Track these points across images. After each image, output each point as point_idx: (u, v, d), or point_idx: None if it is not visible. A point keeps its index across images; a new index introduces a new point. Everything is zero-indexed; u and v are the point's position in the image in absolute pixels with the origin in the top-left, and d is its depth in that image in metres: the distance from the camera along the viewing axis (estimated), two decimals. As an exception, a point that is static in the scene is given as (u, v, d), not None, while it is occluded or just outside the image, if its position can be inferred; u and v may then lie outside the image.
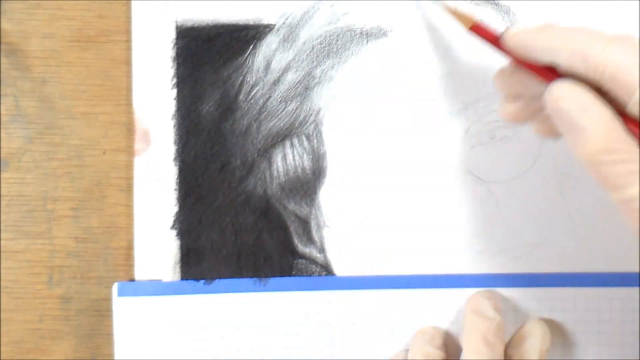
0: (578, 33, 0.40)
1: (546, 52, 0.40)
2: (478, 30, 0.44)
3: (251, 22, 0.51)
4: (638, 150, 0.38)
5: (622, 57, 0.38)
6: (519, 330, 0.50)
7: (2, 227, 0.51)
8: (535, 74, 0.42)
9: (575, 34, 0.40)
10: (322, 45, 0.51)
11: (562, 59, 0.40)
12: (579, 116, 0.39)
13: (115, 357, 0.50)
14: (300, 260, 0.51)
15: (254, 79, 0.51)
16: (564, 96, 0.40)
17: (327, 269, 0.51)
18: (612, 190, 0.38)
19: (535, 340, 0.49)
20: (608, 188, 0.39)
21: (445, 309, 0.51)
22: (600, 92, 0.39)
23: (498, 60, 0.52)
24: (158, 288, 0.50)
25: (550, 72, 0.41)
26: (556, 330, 0.50)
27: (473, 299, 0.49)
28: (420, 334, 0.50)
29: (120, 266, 0.51)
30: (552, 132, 0.43)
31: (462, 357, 0.47)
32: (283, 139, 0.51)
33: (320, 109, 0.51)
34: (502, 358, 0.47)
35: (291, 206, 0.51)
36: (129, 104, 0.51)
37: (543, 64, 0.41)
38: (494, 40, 0.44)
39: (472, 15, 0.45)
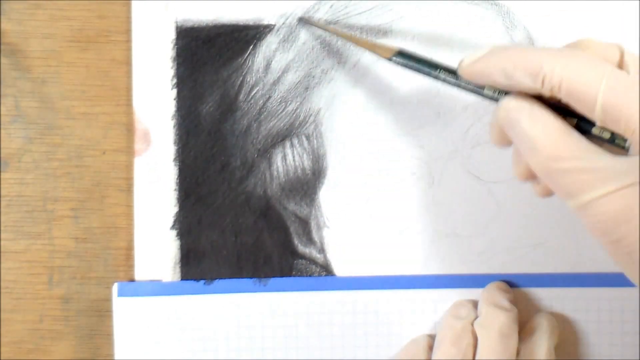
0: (530, 52, 0.40)
1: (501, 74, 0.40)
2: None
3: (251, 23, 0.51)
4: (590, 156, 0.38)
5: (574, 71, 0.38)
6: (527, 324, 0.50)
7: (2, 228, 0.51)
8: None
9: (527, 52, 0.40)
10: (322, 46, 0.51)
11: (517, 79, 0.39)
12: (529, 126, 0.39)
13: (115, 357, 0.50)
14: (300, 260, 0.51)
15: (254, 79, 0.51)
16: (513, 107, 0.40)
17: (327, 270, 0.51)
18: (567, 198, 0.38)
19: (543, 333, 0.49)
20: (563, 196, 0.39)
21: (446, 309, 0.50)
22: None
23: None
24: (158, 288, 0.50)
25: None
26: (562, 327, 0.50)
27: (488, 290, 0.49)
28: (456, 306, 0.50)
29: (120, 266, 0.51)
30: (527, 175, 0.43)
31: (478, 349, 0.47)
32: (283, 139, 0.51)
33: (320, 109, 0.51)
34: (515, 351, 0.47)
35: (291, 206, 0.51)
36: (129, 104, 0.51)
37: (501, 87, 0.41)
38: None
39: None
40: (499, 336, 0.47)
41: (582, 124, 0.39)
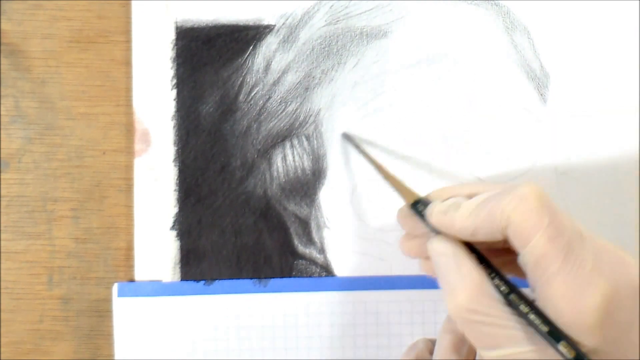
0: (482, 207, 0.39)
1: (468, 232, 0.40)
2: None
3: (251, 23, 0.51)
4: (506, 315, 0.39)
5: (515, 213, 0.38)
6: None
7: (2, 228, 0.51)
8: None
9: (480, 208, 0.39)
10: (322, 46, 0.51)
11: (481, 235, 0.40)
12: (450, 273, 0.40)
13: (115, 358, 0.50)
14: (300, 261, 0.51)
15: (253, 79, 0.51)
16: (440, 252, 0.41)
17: (327, 270, 0.51)
18: (477, 347, 0.39)
19: None
20: (473, 343, 0.40)
21: (446, 309, 0.50)
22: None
23: (497, 62, 0.52)
24: (158, 289, 0.50)
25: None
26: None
27: None
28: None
29: (120, 267, 0.51)
30: None
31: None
32: (283, 140, 0.51)
33: (320, 110, 0.51)
34: None
35: (291, 207, 0.51)
36: (129, 104, 0.51)
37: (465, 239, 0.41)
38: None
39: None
40: None
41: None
